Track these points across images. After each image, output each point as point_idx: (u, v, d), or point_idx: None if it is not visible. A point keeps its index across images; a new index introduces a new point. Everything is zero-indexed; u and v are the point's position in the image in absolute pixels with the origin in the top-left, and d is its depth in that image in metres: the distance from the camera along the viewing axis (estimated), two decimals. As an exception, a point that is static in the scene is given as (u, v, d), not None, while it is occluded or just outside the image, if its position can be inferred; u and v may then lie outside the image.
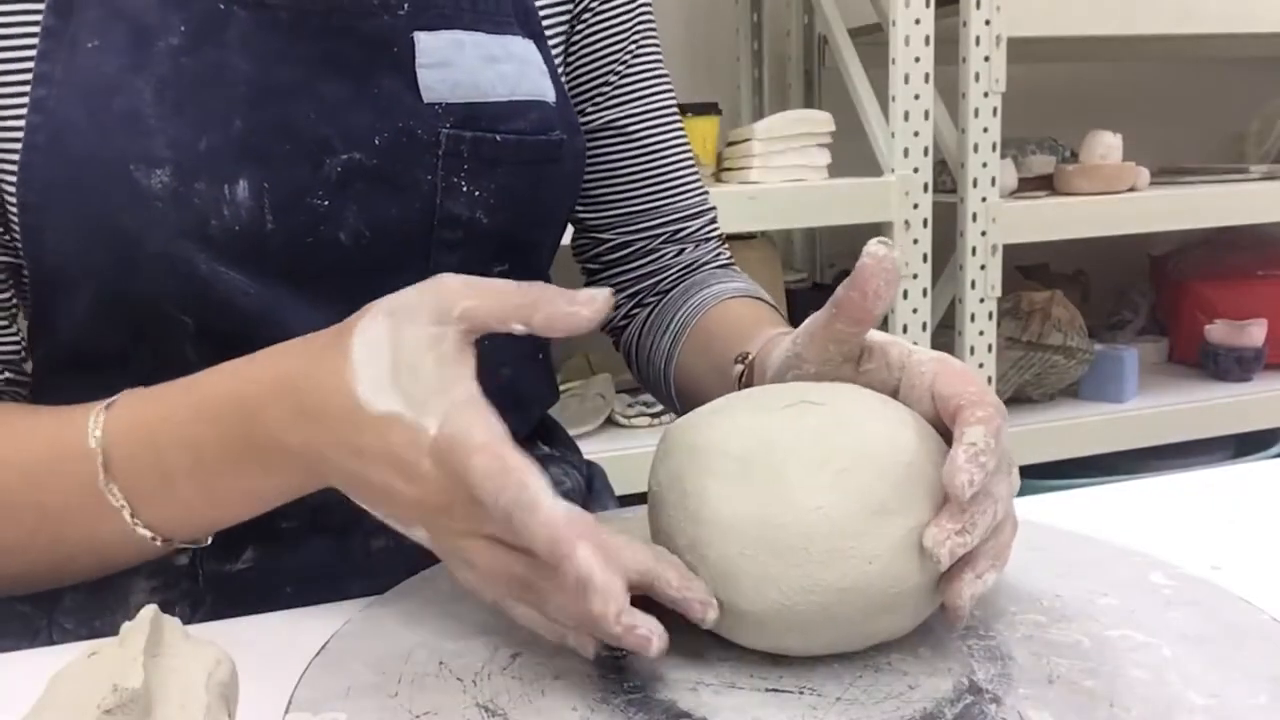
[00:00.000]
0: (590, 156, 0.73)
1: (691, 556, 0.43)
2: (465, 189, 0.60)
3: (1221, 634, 0.46)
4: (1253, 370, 1.97)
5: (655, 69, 0.75)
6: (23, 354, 0.61)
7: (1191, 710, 0.40)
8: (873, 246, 0.45)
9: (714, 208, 0.80)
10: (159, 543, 0.51)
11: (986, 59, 1.61)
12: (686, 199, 0.77)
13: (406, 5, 0.59)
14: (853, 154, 1.66)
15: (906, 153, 1.58)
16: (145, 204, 0.53)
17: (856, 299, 0.45)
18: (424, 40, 0.59)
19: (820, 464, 0.42)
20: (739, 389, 0.59)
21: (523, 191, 0.63)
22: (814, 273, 2.10)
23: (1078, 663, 0.44)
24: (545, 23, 0.68)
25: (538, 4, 0.68)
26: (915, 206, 1.59)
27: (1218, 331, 1.99)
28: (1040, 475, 1.75)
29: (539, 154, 0.63)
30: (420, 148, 0.59)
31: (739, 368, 0.60)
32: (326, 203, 0.57)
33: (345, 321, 0.47)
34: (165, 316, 0.56)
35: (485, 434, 0.41)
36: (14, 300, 0.61)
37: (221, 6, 0.56)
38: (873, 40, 1.71)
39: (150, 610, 0.37)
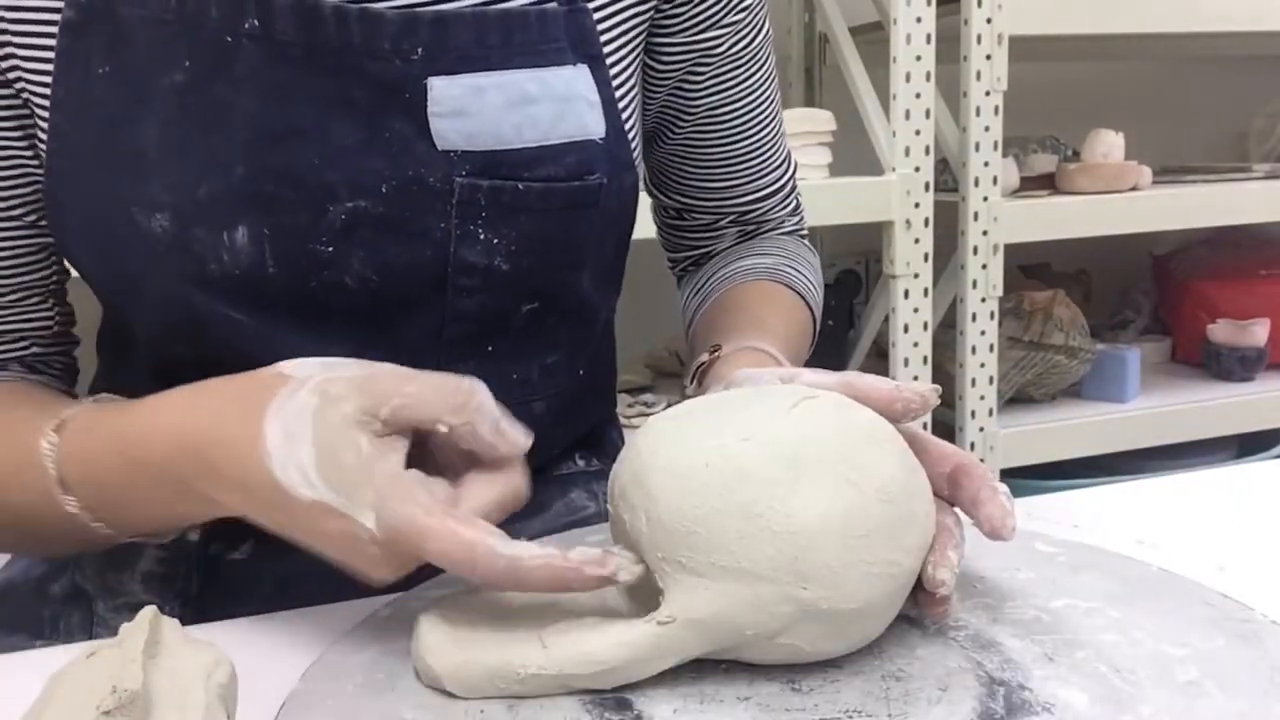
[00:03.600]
0: (671, 135, 0.73)
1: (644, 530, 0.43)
2: (482, 236, 0.57)
3: (1136, 588, 0.49)
4: (1255, 370, 1.97)
5: (747, 49, 0.71)
6: (56, 329, 0.65)
7: (1179, 661, 0.42)
8: (931, 396, 0.47)
9: (790, 182, 0.80)
10: (125, 538, 0.53)
11: (988, 57, 1.61)
12: (759, 180, 0.77)
13: (421, 50, 0.55)
14: (854, 153, 1.66)
15: (908, 151, 1.58)
16: (146, 245, 0.54)
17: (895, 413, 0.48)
18: (438, 87, 0.56)
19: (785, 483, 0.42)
20: (691, 379, 0.62)
21: (550, 237, 0.59)
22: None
23: (1052, 636, 0.45)
24: (609, 35, 0.63)
25: (602, 16, 0.62)
26: (916, 205, 1.59)
27: (1220, 331, 1.99)
28: (1042, 475, 1.75)
29: (571, 199, 0.59)
30: (432, 196, 0.56)
31: (704, 358, 0.61)
32: (330, 249, 0.55)
33: (258, 381, 0.46)
34: (167, 348, 0.58)
35: (425, 515, 0.41)
36: (53, 278, 0.64)
37: (229, 39, 0.54)
38: (874, 38, 1.71)
39: (149, 612, 0.37)
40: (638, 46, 0.66)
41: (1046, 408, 1.86)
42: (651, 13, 0.66)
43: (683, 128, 0.73)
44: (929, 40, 1.56)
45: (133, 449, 0.49)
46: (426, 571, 0.54)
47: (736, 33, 0.70)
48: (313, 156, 0.55)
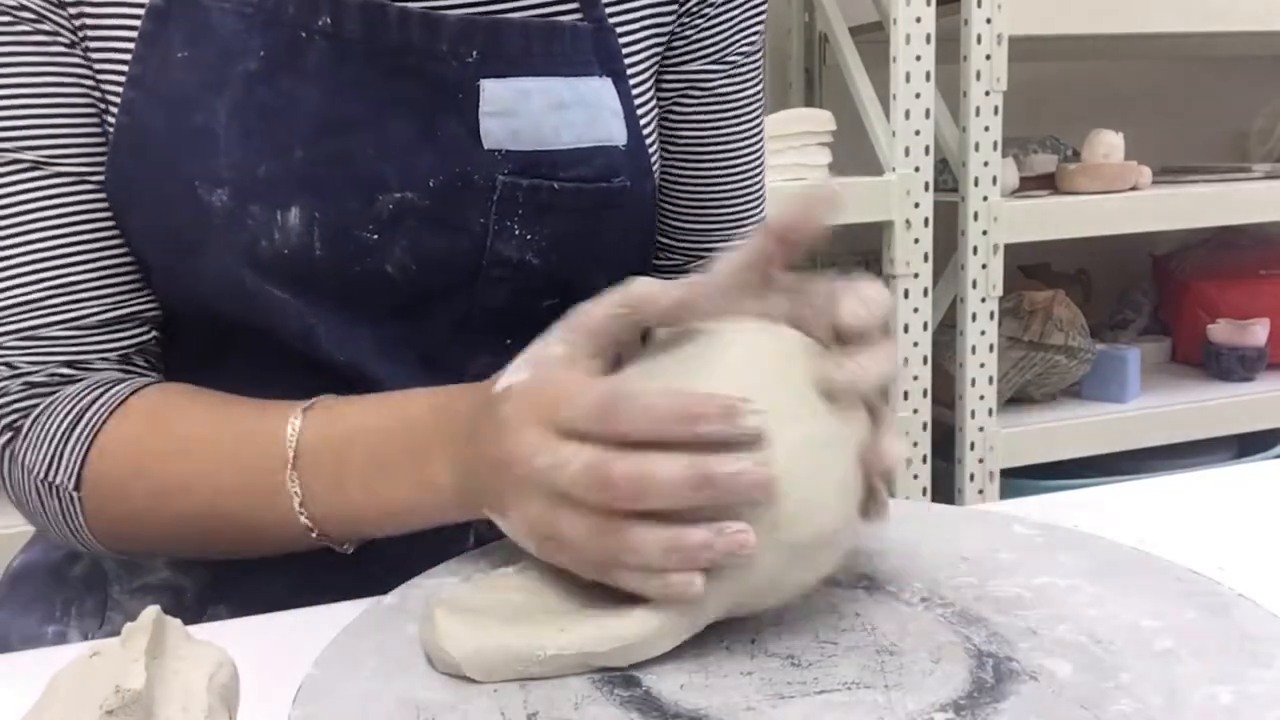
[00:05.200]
0: (663, 167, 0.73)
1: None
2: (518, 232, 0.61)
3: (1111, 566, 0.51)
4: (1255, 370, 1.97)
5: (735, 95, 0.73)
6: (162, 318, 0.64)
7: (1154, 632, 0.44)
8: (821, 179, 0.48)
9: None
10: (314, 535, 0.54)
11: (988, 57, 1.61)
12: (735, 228, 0.76)
13: (475, 53, 0.60)
14: (853, 153, 1.66)
15: (907, 151, 1.58)
16: (205, 219, 0.57)
17: (790, 224, 0.49)
18: (490, 89, 0.60)
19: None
20: None
21: (578, 236, 0.63)
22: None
23: (1035, 611, 0.47)
24: (630, 53, 0.66)
25: (625, 39, 0.66)
26: (916, 206, 1.59)
27: (1220, 331, 1.99)
28: (1041, 475, 1.75)
29: (598, 200, 0.63)
30: (475, 192, 0.60)
31: None
32: (375, 236, 0.59)
33: None
34: (214, 319, 0.61)
35: (563, 373, 0.45)
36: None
37: (303, 35, 0.57)
38: (874, 38, 1.71)
39: (153, 611, 0.37)
40: (654, 65, 0.69)
41: (1046, 408, 1.86)
42: (668, 37, 0.69)
43: (665, 160, 0.73)
44: (929, 40, 1.56)
45: (394, 407, 0.54)
46: (425, 565, 0.54)
47: (730, 74, 0.71)
48: (368, 147, 0.58)
